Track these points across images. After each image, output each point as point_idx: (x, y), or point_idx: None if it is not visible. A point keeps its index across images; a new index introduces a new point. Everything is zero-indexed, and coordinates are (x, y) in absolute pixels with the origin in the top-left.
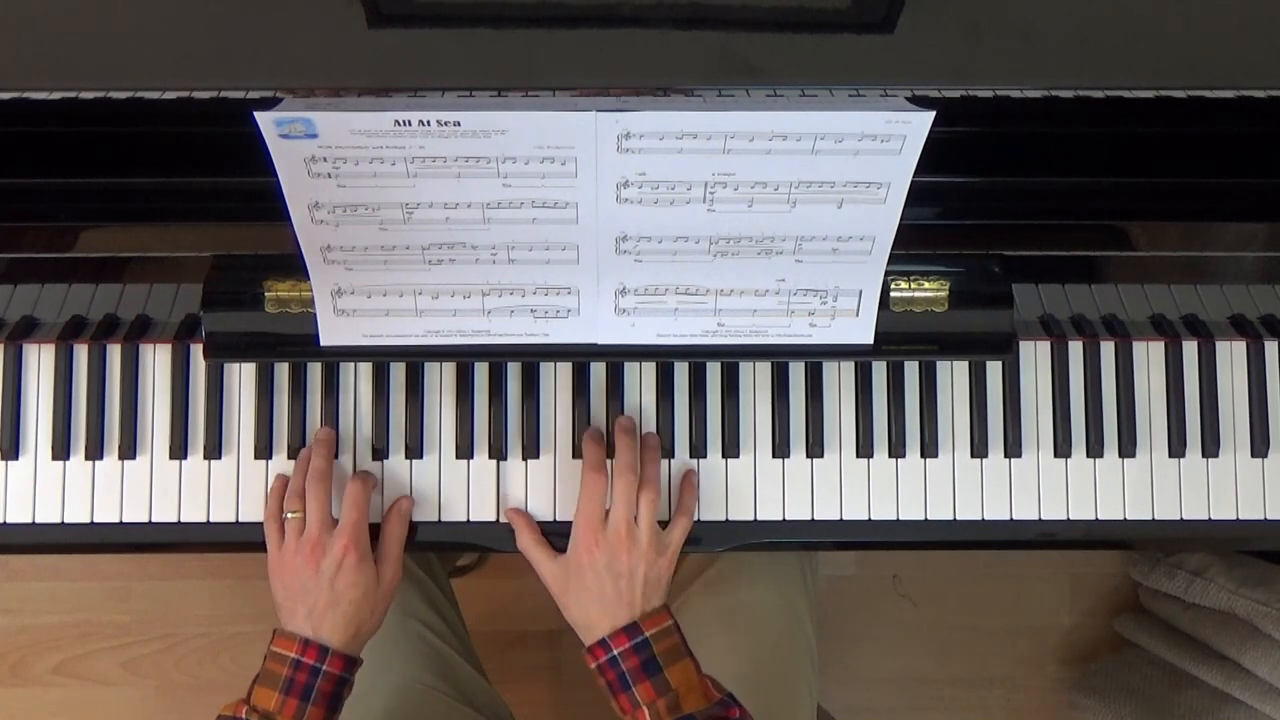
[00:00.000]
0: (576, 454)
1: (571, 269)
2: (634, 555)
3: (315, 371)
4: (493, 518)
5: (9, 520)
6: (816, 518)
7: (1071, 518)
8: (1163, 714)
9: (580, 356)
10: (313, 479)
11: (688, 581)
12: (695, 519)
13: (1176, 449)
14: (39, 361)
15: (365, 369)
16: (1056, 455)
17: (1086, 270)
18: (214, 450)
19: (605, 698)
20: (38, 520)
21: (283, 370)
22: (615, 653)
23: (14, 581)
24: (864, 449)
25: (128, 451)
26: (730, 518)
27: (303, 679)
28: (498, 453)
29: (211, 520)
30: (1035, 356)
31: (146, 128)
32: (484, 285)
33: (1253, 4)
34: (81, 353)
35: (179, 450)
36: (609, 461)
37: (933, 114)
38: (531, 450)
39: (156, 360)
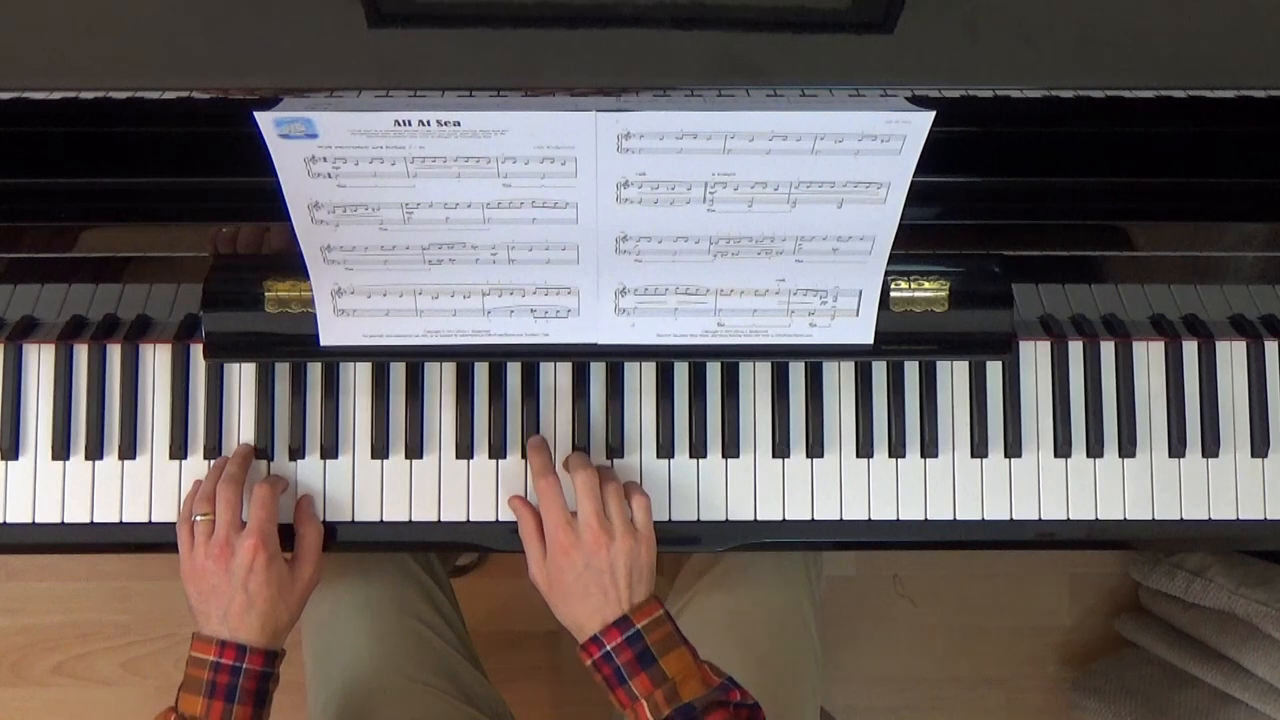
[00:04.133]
0: None
1: (571, 269)
2: (612, 548)
3: (315, 371)
4: (493, 518)
5: (9, 520)
6: (816, 518)
7: (1071, 518)
8: (1163, 714)
9: (580, 356)
10: (223, 482)
11: (691, 582)
12: (696, 519)
13: (1176, 449)
14: (39, 361)
15: (365, 369)
16: (1056, 455)
17: (1086, 270)
18: (214, 450)
19: (603, 694)
20: (38, 520)
21: (283, 370)
22: (609, 648)
23: (14, 581)
24: (864, 449)
25: (128, 451)
26: (730, 518)
27: (224, 680)
28: (498, 453)
29: None
30: (1035, 356)
31: (146, 128)
32: (484, 285)
33: (1253, 4)
34: (81, 353)
35: (179, 450)
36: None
37: (933, 114)
38: None
39: (156, 360)
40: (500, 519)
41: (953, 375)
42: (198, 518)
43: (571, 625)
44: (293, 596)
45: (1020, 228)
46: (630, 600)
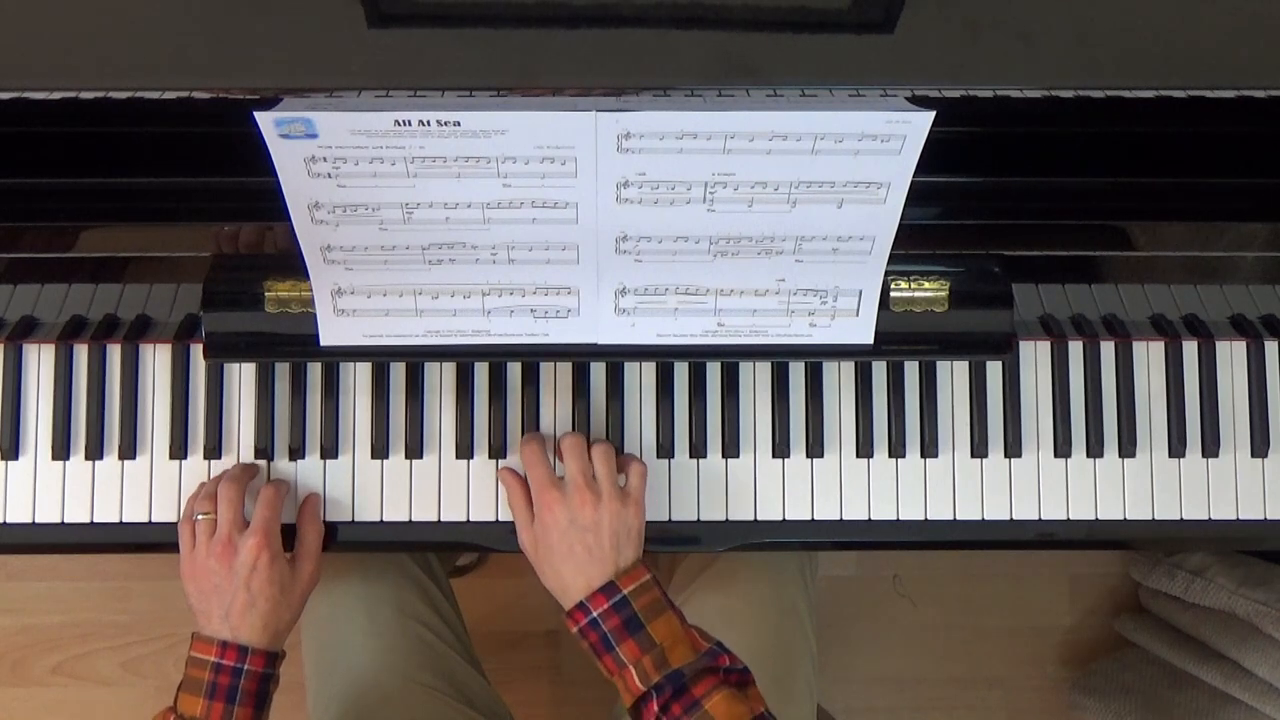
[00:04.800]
0: None
1: (571, 269)
2: (598, 508)
3: (315, 371)
4: (492, 518)
5: (9, 520)
6: (816, 518)
7: (1071, 518)
8: (1163, 714)
9: (580, 356)
10: (226, 481)
11: (687, 581)
12: (696, 519)
13: (1176, 449)
14: (39, 361)
15: (365, 369)
16: (1056, 455)
17: (1086, 270)
18: (214, 450)
19: (600, 686)
20: (38, 520)
21: (283, 370)
22: (595, 614)
23: (14, 581)
24: (864, 449)
25: (128, 451)
26: (730, 518)
27: (225, 681)
28: (498, 453)
29: None
30: (1035, 356)
31: (146, 128)
32: (484, 285)
33: (1253, 4)
34: (81, 353)
35: (179, 450)
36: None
37: (933, 114)
38: None
39: (156, 360)
40: (500, 519)
41: (953, 375)
42: (199, 516)
43: (556, 588)
44: (294, 596)
45: (1020, 228)
46: (617, 564)
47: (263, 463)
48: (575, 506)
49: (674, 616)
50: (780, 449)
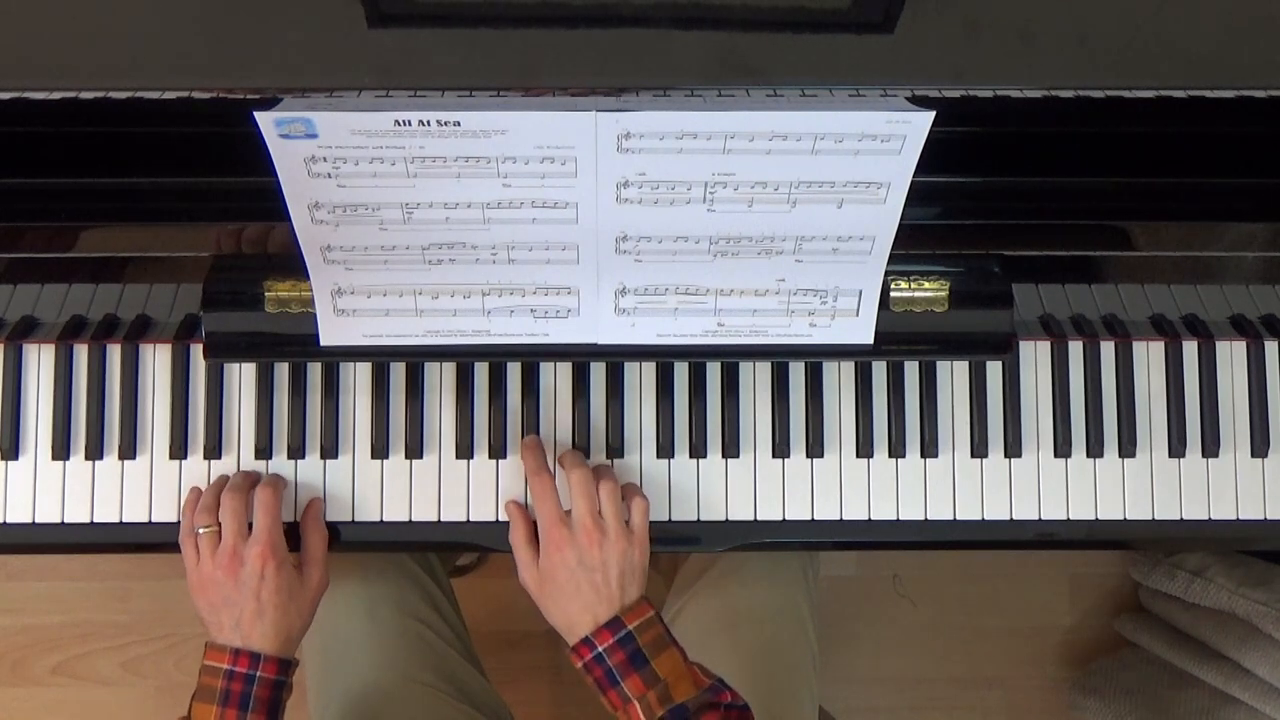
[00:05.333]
0: None
1: (571, 269)
2: (605, 547)
3: (315, 371)
4: (492, 518)
5: (9, 520)
6: (816, 518)
7: (1071, 518)
8: (1163, 714)
9: (580, 356)
10: (228, 492)
11: (689, 583)
12: (696, 519)
13: (1176, 449)
14: (39, 361)
15: (365, 369)
16: (1056, 455)
17: (1086, 270)
18: (214, 450)
19: (594, 696)
20: (38, 520)
21: (283, 370)
22: (600, 649)
23: (14, 581)
24: (864, 449)
25: (128, 451)
26: (730, 518)
27: (238, 688)
28: (497, 453)
29: None
30: (1035, 356)
31: (146, 128)
32: (484, 285)
33: (1253, 4)
34: (81, 353)
35: (179, 450)
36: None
37: (933, 114)
38: None
39: (156, 360)
40: (500, 519)
41: (953, 375)
42: (201, 530)
43: (562, 625)
44: (304, 603)
45: (1020, 228)
46: (622, 600)
47: (261, 465)
48: (583, 546)
49: (677, 652)
50: (780, 449)
